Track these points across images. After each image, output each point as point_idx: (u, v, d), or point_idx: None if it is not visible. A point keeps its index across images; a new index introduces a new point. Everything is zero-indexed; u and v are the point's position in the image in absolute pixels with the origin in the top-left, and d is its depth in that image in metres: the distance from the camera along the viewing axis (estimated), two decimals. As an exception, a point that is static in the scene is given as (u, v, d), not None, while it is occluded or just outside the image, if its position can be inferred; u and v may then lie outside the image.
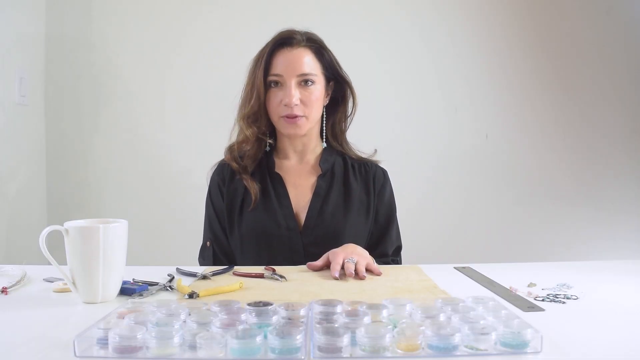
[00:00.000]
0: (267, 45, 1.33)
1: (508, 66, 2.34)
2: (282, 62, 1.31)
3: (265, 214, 1.33)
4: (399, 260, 1.41)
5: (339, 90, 1.41)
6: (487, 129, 2.35)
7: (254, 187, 1.33)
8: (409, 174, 2.28)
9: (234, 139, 1.40)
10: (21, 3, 2.12)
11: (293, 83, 1.29)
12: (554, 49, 2.33)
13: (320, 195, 1.36)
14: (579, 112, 2.35)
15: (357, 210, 1.36)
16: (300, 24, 1.38)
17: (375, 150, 1.46)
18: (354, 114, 1.44)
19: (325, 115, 1.41)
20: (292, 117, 1.30)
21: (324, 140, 1.42)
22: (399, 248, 1.42)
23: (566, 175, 2.36)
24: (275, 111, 1.32)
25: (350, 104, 1.42)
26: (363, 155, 1.45)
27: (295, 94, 1.29)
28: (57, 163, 2.29)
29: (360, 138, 1.48)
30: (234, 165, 1.36)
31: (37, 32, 2.23)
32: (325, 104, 1.39)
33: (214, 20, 2.30)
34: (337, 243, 1.21)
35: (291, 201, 1.35)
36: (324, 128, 1.42)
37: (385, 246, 1.38)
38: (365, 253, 1.17)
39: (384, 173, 1.44)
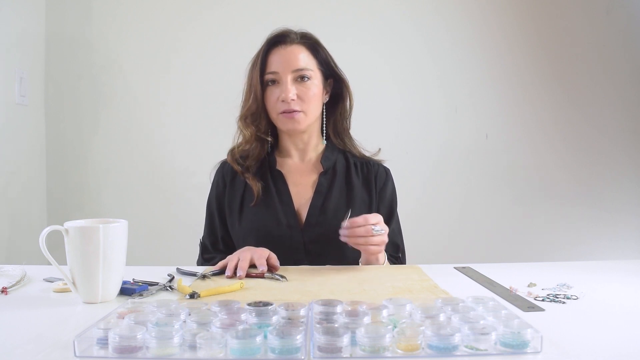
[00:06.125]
0: (262, 45, 1.35)
1: (508, 66, 2.34)
2: (277, 59, 1.32)
3: (266, 211, 1.34)
4: (399, 258, 1.41)
5: (338, 87, 1.42)
6: (487, 129, 2.35)
7: (256, 185, 1.35)
8: (409, 173, 2.28)
9: (238, 142, 1.42)
10: (21, 3, 2.12)
11: (289, 79, 1.31)
12: (554, 49, 2.33)
13: (321, 193, 1.36)
14: (579, 112, 2.35)
15: (359, 208, 1.36)
16: (301, 25, 1.39)
17: (379, 149, 1.47)
18: (351, 112, 1.45)
19: (325, 113, 1.42)
20: (290, 112, 1.32)
21: (325, 137, 1.43)
22: (397, 246, 1.41)
23: (566, 175, 2.36)
24: (274, 108, 1.34)
25: (347, 102, 1.43)
26: (366, 154, 1.46)
27: (291, 89, 1.30)
28: (57, 163, 2.29)
29: (361, 138, 1.48)
30: (236, 167, 1.38)
31: (37, 32, 2.23)
32: (325, 101, 1.41)
33: (214, 20, 2.30)
34: (338, 241, 1.22)
35: (292, 199, 1.36)
36: (325, 125, 1.43)
37: None
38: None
39: (386, 172, 1.45)
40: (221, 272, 1.13)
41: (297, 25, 1.39)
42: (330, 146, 1.43)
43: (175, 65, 2.30)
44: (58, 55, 2.27)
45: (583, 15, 2.33)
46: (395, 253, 1.40)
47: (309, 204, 1.35)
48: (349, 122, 1.46)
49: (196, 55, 2.29)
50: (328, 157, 1.41)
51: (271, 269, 1.13)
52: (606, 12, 2.33)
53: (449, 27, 2.33)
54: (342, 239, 1.15)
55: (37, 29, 2.23)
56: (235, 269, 1.10)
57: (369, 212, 1.37)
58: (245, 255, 1.13)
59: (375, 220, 1.14)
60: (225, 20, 2.30)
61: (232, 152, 1.41)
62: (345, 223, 1.14)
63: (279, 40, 1.34)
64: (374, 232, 1.13)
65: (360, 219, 1.13)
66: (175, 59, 2.30)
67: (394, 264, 1.36)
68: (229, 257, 1.16)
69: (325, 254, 1.29)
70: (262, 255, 1.14)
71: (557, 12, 2.34)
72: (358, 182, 1.40)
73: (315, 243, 1.31)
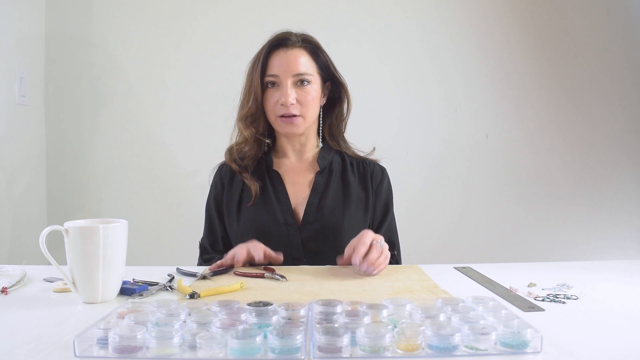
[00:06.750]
0: (263, 46, 1.36)
1: (508, 66, 2.34)
2: (278, 62, 1.33)
3: (264, 210, 1.35)
4: (394, 255, 1.40)
5: (336, 90, 1.43)
6: (487, 128, 2.36)
7: (253, 184, 1.36)
8: (409, 173, 2.29)
9: (234, 140, 1.42)
10: (21, 3, 2.12)
11: (289, 83, 1.32)
12: (554, 49, 2.33)
13: (318, 191, 1.37)
14: (579, 112, 2.35)
15: (356, 206, 1.38)
16: (301, 26, 1.39)
17: (374, 149, 1.47)
18: (349, 115, 1.45)
19: (322, 115, 1.43)
20: (289, 117, 1.33)
21: (321, 139, 1.44)
22: (392, 244, 1.40)
23: (566, 175, 2.36)
24: (273, 111, 1.35)
25: (345, 106, 1.44)
26: (361, 154, 1.47)
27: (291, 93, 1.31)
28: (57, 163, 2.30)
29: (361, 138, 1.49)
30: (234, 166, 1.39)
31: (37, 32, 2.23)
32: (322, 104, 1.42)
33: (214, 20, 2.30)
34: (336, 238, 1.24)
35: (289, 197, 1.37)
36: (321, 127, 1.44)
37: None
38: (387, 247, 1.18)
39: (382, 170, 1.46)
40: (221, 272, 1.13)
41: (296, 26, 1.39)
42: (326, 146, 1.44)
43: (175, 65, 2.30)
44: (58, 55, 2.27)
45: (583, 15, 2.33)
46: (391, 250, 1.40)
47: (305, 202, 1.36)
48: (345, 125, 1.46)
49: (196, 55, 2.29)
50: (324, 156, 1.42)
51: (272, 263, 1.15)
52: (606, 12, 2.33)
53: (449, 27, 2.33)
54: (365, 272, 1.12)
55: (37, 29, 2.23)
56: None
57: (366, 209, 1.39)
58: (241, 250, 1.18)
59: (372, 238, 1.13)
60: (226, 21, 2.30)
61: (230, 150, 1.42)
62: (357, 261, 1.10)
63: (280, 43, 1.34)
64: (381, 246, 1.12)
65: (362, 249, 1.10)
66: (175, 58, 2.30)
67: (390, 262, 1.36)
68: (225, 256, 1.19)
69: (322, 251, 1.30)
70: (257, 247, 1.18)
71: (557, 12, 2.34)
72: (354, 180, 1.41)
73: (313, 240, 1.32)
